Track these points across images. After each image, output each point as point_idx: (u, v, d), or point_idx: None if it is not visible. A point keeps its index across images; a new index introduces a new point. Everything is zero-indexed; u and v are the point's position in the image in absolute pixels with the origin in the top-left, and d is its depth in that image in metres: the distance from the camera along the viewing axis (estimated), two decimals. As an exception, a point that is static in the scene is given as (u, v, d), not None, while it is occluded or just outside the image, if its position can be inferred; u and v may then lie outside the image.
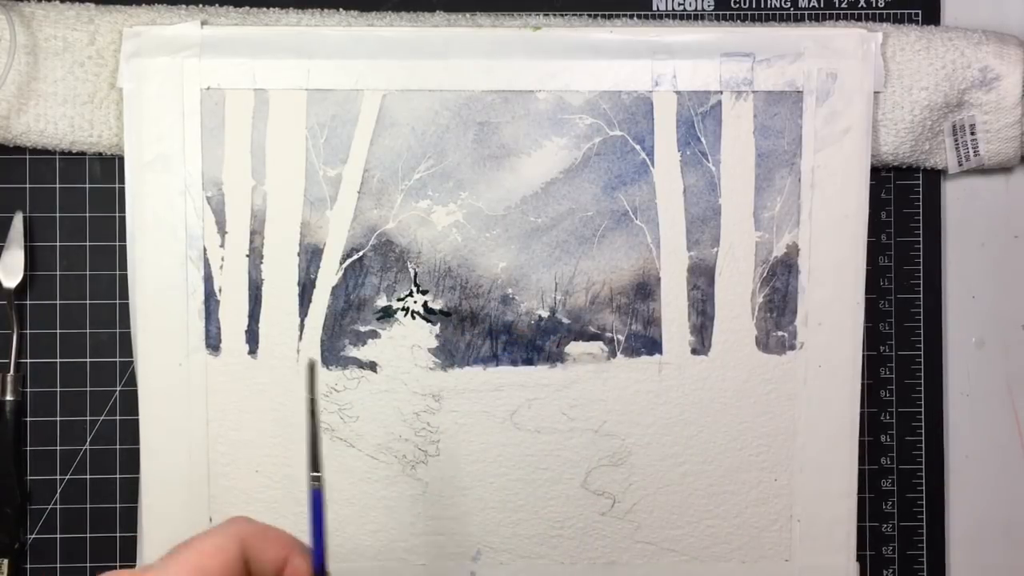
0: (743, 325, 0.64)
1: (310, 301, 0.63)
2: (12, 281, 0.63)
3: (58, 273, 0.64)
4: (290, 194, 0.62)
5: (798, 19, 0.66)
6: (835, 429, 0.63)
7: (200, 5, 0.63)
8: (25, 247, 0.63)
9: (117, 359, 0.64)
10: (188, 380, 0.62)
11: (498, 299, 0.63)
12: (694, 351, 0.64)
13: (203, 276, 0.62)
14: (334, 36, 0.62)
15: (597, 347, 0.63)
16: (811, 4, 0.66)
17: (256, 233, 0.62)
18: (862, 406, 0.64)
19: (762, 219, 0.63)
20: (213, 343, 0.62)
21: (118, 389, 0.64)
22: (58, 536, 0.64)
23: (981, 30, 0.64)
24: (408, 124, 0.62)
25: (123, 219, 0.62)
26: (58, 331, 0.64)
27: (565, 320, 0.63)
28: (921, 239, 0.66)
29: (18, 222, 0.63)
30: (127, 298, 0.62)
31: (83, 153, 0.63)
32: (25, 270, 0.63)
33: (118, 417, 0.64)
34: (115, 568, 0.64)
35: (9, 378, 0.63)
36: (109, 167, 0.64)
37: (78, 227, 0.64)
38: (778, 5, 0.66)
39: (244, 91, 0.62)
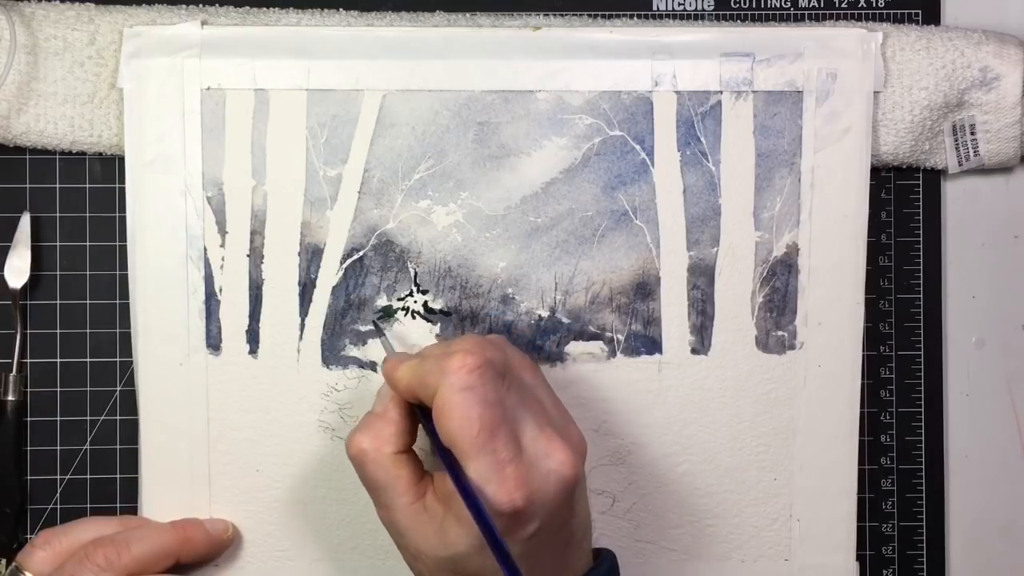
0: (743, 325, 0.64)
1: (310, 301, 0.63)
2: (18, 282, 0.63)
3: (58, 273, 0.64)
4: (290, 194, 0.62)
5: (798, 19, 0.66)
6: (835, 429, 0.63)
7: (200, 5, 0.63)
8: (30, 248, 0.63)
9: (117, 359, 0.64)
10: (188, 380, 0.62)
11: (498, 299, 0.63)
12: (694, 351, 0.64)
13: (203, 276, 0.62)
14: (334, 36, 0.62)
15: (597, 347, 0.63)
16: (811, 4, 0.66)
17: (256, 233, 0.62)
18: (862, 406, 0.64)
19: (762, 219, 0.63)
20: (213, 343, 0.62)
21: (118, 389, 0.64)
22: (58, 536, 0.64)
23: (981, 30, 0.64)
24: (408, 124, 0.62)
25: (123, 219, 0.62)
26: (58, 331, 0.64)
27: (565, 320, 0.63)
28: (921, 239, 0.66)
29: (25, 223, 0.63)
30: (127, 298, 0.62)
31: (83, 153, 0.64)
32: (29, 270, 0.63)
33: (118, 417, 0.64)
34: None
35: (12, 378, 0.63)
36: (109, 167, 0.64)
37: (78, 227, 0.64)
38: (778, 5, 0.66)
39: (244, 91, 0.62)
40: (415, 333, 0.63)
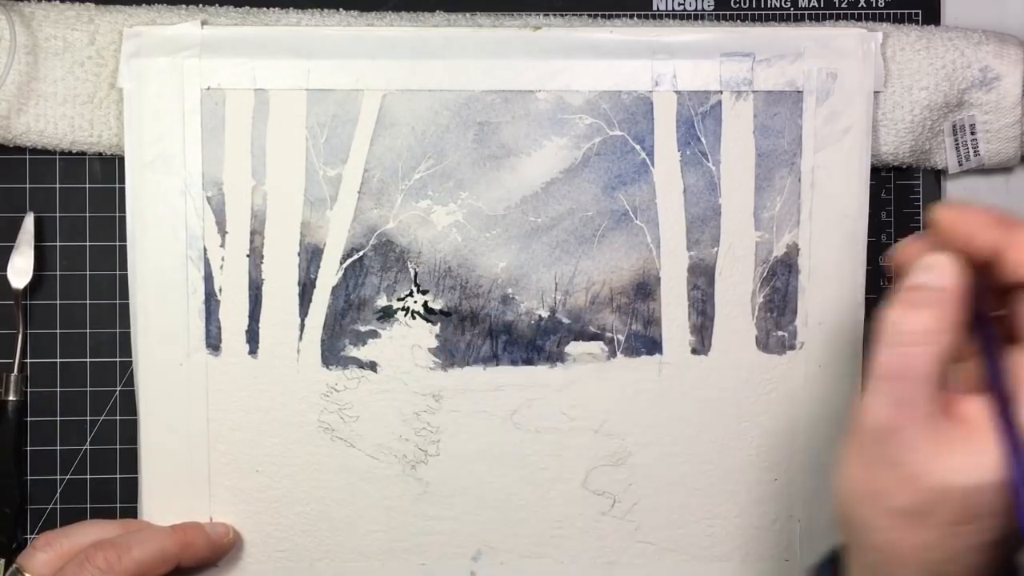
0: (743, 325, 0.64)
1: (310, 301, 0.63)
2: (21, 282, 0.63)
3: (58, 273, 0.64)
4: (290, 194, 0.62)
5: (798, 19, 0.66)
6: (835, 429, 0.63)
7: (200, 5, 0.63)
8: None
9: (117, 359, 0.64)
10: (188, 380, 0.62)
11: (498, 299, 0.63)
12: (694, 351, 0.64)
13: (203, 276, 0.62)
14: (334, 36, 0.62)
15: (597, 347, 0.63)
16: (811, 4, 0.66)
17: (256, 233, 0.62)
18: (862, 406, 0.64)
19: (762, 219, 0.63)
20: (213, 343, 0.62)
21: (118, 389, 0.64)
22: (58, 536, 0.64)
23: (981, 30, 0.64)
24: (408, 124, 0.62)
25: (123, 219, 0.62)
26: (58, 331, 0.64)
27: (565, 320, 0.63)
28: (921, 239, 0.66)
29: (28, 223, 0.63)
30: (127, 298, 0.62)
31: (83, 153, 0.64)
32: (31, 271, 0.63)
33: (118, 417, 0.64)
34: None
35: (13, 378, 0.63)
36: (109, 167, 0.64)
37: (78, 227, 0.64)
38: (778, 5, 0.66)
39: (244, 91, 0.62)
40: (415, 333, 0.63)
